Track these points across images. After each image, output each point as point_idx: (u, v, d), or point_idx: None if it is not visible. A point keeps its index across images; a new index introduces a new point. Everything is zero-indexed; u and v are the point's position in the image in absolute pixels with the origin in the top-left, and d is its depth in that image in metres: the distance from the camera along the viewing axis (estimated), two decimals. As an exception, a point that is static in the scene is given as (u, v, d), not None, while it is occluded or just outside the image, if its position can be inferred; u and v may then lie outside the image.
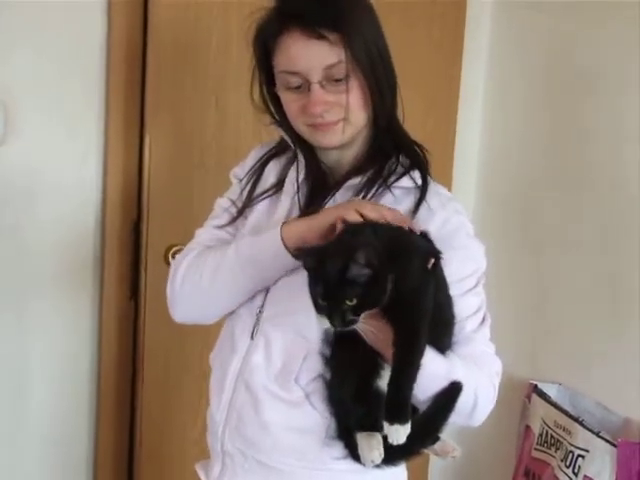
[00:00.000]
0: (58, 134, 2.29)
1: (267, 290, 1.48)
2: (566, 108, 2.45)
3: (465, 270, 1.43)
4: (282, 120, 1.52)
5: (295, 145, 1.54)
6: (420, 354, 1.27)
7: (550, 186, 2.52)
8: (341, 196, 1.50)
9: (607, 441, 2.07)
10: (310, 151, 1.53)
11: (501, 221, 2.74)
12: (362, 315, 1.23)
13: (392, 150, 1.52)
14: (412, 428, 1.28)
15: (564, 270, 2.48)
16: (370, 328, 1.26)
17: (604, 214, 2.31)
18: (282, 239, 1.40)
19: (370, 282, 1.21)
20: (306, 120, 1.45)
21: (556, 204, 2.49)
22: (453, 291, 1.41)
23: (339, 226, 1.31)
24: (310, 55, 1.38)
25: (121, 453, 2.52)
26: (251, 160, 1.65)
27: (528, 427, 2.47)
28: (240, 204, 1.59)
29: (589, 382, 2.35)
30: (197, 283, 1.50)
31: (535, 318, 2.62)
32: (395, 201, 1.46)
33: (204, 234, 1.60)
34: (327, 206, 1.46)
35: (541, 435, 2.37)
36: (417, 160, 1.53)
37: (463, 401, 1.36)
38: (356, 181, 1.49)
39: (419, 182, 1.48)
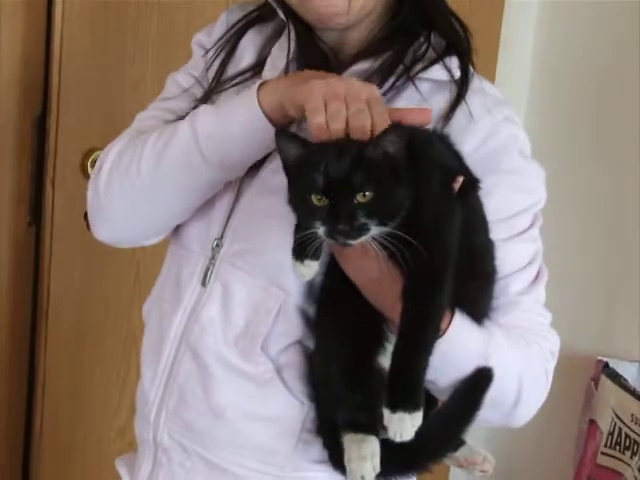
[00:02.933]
0: None
1: (228, 214, 1.48)
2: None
3: (515, 204, 1.44)
4: None
5: (285, 15, 1.53)
6: (440, 312, 1.26)
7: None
8: None
9: None
10: (305, 24, 1.52)
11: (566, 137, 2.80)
12: (373, 229, 1.20)
13: (421, 27, 1.51)
14: (425, 427, 1.26)
15: None
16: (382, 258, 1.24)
17: None
18: (259, 104, 1.39)
19: (391, 177, 1.21)
20: None
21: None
22: (496, 233, 1.40)
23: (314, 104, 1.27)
24: None
25: (13, 444, 2.54)
26: (221, 25, 1.64)
27: (593, 422, 2.48)
28: (206, 84, 1.59)
29: (683, 360, 2.40)
30: (132, 177, 1.48)
31: (608, 270, 2.63)
32: (421, 99, 1.45)
33: (145, 117, 1.60)
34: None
35: (612, 434, 2.38)
36: (457, 42, 1.51)
37: (502, 391, 1.36)
38: (365, 66, 1.48)
39: (457, 73, 1.46)
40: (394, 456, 1.34)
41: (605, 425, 2.41)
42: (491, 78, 2.79)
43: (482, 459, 1.44)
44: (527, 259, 1.44)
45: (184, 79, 1.62)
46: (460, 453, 1.43)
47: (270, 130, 1.35)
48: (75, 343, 2.49)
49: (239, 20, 1.62)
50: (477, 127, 1.42)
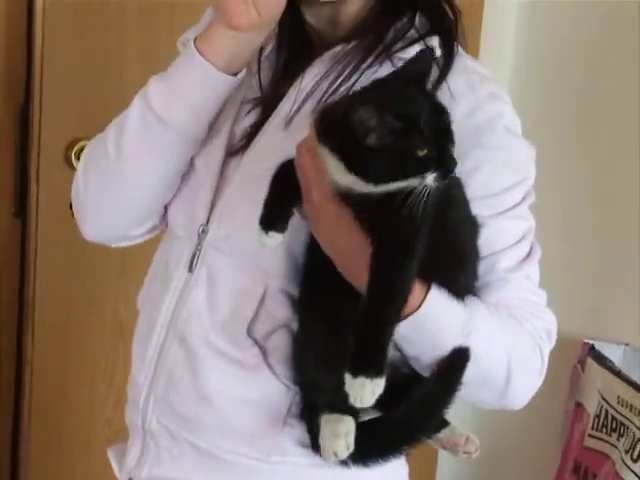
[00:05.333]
0: None
1: (212, 200, 1.49)
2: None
3: (502, 181, 1.42)
4: None
5: None
6: (406, 279, 1.25)
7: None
8: (315, 71, 1.48)
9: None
10: (291, 6, 1.49)
11: (550, 117, 2.81)
12: None
13: (407, 7, 1.50)
14: (404, 408, 1.30)
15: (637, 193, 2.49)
16: None
17: None
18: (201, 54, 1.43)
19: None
20: None
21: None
22: (481, 210, 1.40)
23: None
24: None
25: (1, 438, 2.55)
26: (207, 20, 1.62)
27: (580, 405, 2.49)
28: None
29: (669, 342, 2.42)
30: (102, 162, 1.50)
31: (594, 253, 2.63)
32: None
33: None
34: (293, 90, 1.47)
35: (598, 416, 2.40)
36: (441, 23, 1.51)
37: (490, 369, 1.36)
38: (347, 47, 1.48)
39: (437, 52, 1.45)
40: (373, 438, 1.35)
41: (592, 407, 2.43)
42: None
43: (465, 440, 1.43)
44: (517, 236, 1.43)
45: None
46: (443, 434, 1.43)
47: (217, 76, 1.40)
48: (61, 334, 2.49)
49: None
50: (460, 105, 1.41)
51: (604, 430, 2.37)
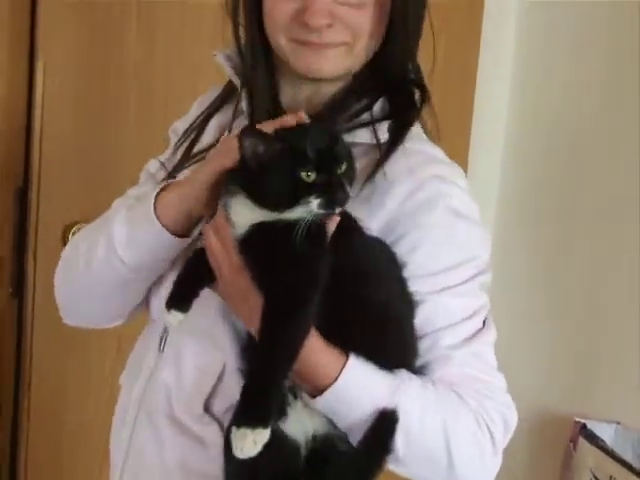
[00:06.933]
0: None
1: None
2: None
3: (441, 260, 1.42)
4: (250, 29, 1.55)
5: (243, 75, 1.57)
6: (293, 331, 1.28)
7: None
8: None
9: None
10: (264, 86, 1.57)
11: (531, 211, 2.85)
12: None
13: (373, 89, 1.54)
14: (335, 470, 1.32)
15: (624, 271, 2.50)
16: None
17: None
18: (158, 217, 1.45)
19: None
20: (295, 33, 1.48)
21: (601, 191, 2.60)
22: (420, 287, 1.41)
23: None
24: None
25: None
26: (195, 112, 1.70)
27: None
28: (171, 167, 1.64)
29: (658, 422, 2.39)
30: (73, 268, 1.58)
31: (583, 335, 2.62)
32: None
33: (116, 205, 1.63)
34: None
35: None
36: (400, 106, 1.53)
37: (427, 445, 1.35)
38: None
39: (384, 137, 1.48)
40: None
41: None
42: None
43: None
44: (462, 315, 1.42)
45: (153, 165, 1.68)
46: None
47: (174, 240, 1.45)
48: (58, 414, 2.50)
49: (209, 106, 1.67)
50: (396, 189, 1.42)
51: (597, 509, 2.33)
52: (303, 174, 1.26)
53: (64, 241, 2.37)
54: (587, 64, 2.75)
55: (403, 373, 1.36)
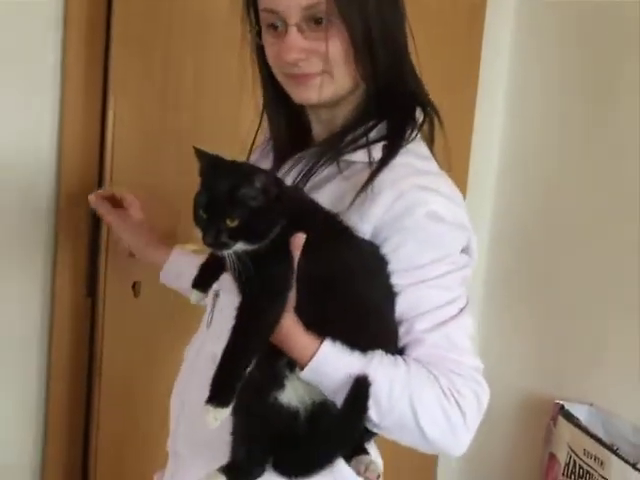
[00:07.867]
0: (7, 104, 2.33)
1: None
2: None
3: (420, 257, 1.45)
4: (265, 74, 1.62)
5: (266, 105, 1.66)
6: (254, 326, 1.36)
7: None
8: (288, 169, 1.61)
9: (647, 474, 2.22)
10: (286, 113, 1.65)
11: (521, 221, 2.96)
12: (237, 245, 1.34)
13: (378, 114, 1.57)
14: (319, 431, 1.39)
15: (600, 269, 2.65)
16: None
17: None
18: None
19: (258, 212, 1.34)
20: (284, 69, 1.54)
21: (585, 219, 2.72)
22: (400, 279, 1.45)
23: None
24: None
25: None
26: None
27: (552, 455, 2.69)
28: None
29: (625, 403, 2.54)
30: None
31: (561, 326, 2.79)
32: (342, 177, 1.53)
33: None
34: None
35: (568, 465, 2.58)
36: (395, 126, 1.55)
37: (396, 410, 1.39)
38: (310, 151, 1.59)
39: (376, 156, 1.50)
40: (286, 451, 1.43)
41: (562, 458, 2.61)
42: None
43: (366, 468, 1.49)
44: (435, 304, 1.44)
45: None
46: (355, 461, 1.50)
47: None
48: (126, 403, 2.57)
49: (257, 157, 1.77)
50: (381, 199, 1.45)
51: (572, 477, 2.54)
52: (200, 209, 1.36)
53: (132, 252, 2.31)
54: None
55: (377, 352, 1.41)
